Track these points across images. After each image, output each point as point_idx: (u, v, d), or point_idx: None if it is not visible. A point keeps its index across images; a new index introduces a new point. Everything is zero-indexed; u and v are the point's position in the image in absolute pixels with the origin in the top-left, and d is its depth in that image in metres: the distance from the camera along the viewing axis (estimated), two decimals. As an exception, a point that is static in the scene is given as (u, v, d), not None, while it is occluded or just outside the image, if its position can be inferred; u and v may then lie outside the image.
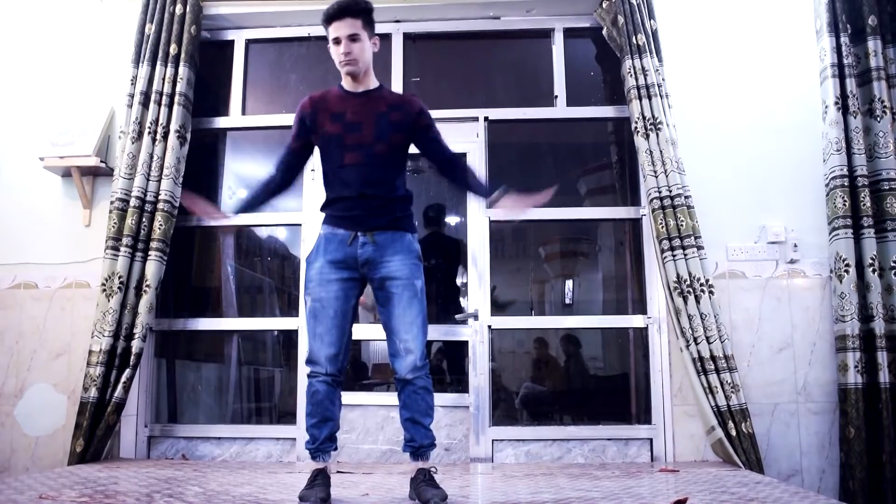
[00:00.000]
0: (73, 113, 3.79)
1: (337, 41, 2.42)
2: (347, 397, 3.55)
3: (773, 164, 3.59)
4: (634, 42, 3.54)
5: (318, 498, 2.24)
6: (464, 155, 3.72)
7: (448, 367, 3.97)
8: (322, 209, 2.53)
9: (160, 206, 3.53)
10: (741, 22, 3.74)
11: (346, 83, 2.50)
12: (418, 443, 2.40)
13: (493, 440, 3.53)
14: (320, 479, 2.34)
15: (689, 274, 3.33)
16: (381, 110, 2.46)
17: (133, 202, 3.51)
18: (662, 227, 3.37)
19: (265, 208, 2.74)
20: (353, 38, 2.41)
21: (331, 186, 2.49)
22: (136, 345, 3.41)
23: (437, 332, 3.74)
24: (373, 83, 2.51)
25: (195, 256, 4.17)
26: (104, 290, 3.44)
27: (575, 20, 3.91)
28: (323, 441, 2.39)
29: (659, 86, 3.49)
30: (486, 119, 3.81)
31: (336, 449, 2.45)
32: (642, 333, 3.65)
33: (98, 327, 3.41)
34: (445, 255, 4.18)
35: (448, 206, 4.24)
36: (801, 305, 3.49)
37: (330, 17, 2.42)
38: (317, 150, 2.55)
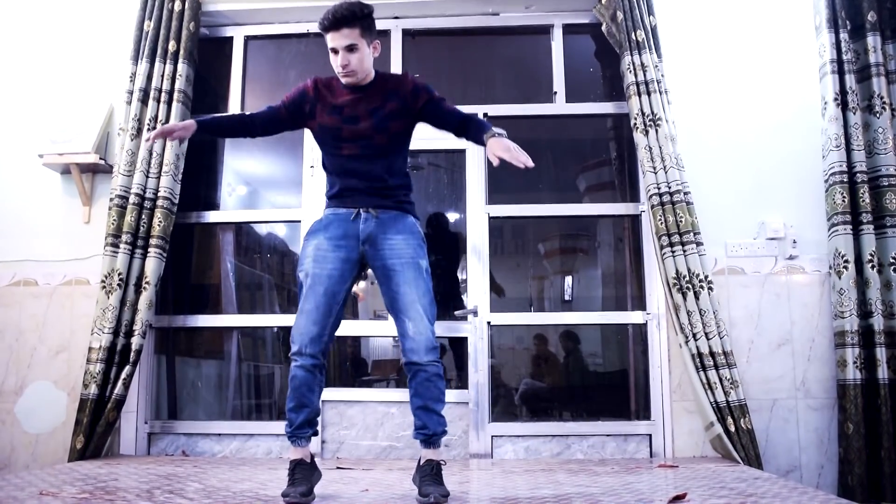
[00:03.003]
0: (72, 110, 3.79)
1: (334, 51, 2.38)
2: (347, 393, 3.59)
3: (773, 161, 3.59)
4: (633, 38, 3.54)
5: (298, 493, 2.21)
6: (462, 151, 3.74)
7: (448, 363, 3.97)
8: (326, 195, 2.53)
9: (159, 202, 3.53)
10: (740, 18, 3.74)
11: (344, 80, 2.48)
12: (431, 430, 2.35)
13: (492, 436, 3.54)
14: (299, 473, 2.30)
15: (689, 270, 3.33)
16: (377, 104, 2.43)
17: (132, 199, 3.51)
18: (661, 223, 3.37)
19: (224, 138, 2.68)
20: (351, 48, 2.35)
21: (331, 175, 2.49)
22: (135, 341, 3.41)
23: (436, 329, 3.72)
24: (370, 78, 2.47)
25: (195, 253, 4.17)
26: (104, 286, 3.44)
27: (574, 16, 3.90)
28: (300, 426, 2.34)
29: (658, 82, 3.49)
30: (485, 115, 3.79)
31: (316, 433, 2.40)
32: (641, 330, 3.65)
33: (98, 324, 3.41)
34: (445, 251, 4.18)
35: (448, 202, 4.24)
36: (800, 301, 3.49)
37: (326, 28, 2.36)
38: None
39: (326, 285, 2.36)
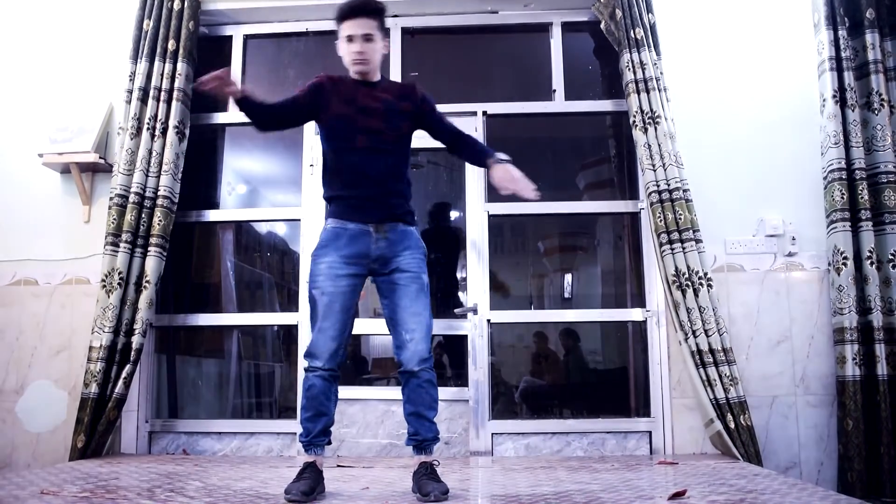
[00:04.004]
0: (72, 109, 3.79)
1: (350, 39, 2.42)
2: (348, 392, 3.58)
3: (772, 158, 3.59)
4: (632, 36, 3.54)
5: (299, 491, 2.25)
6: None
7: (448, 361, 3.98)
8: (329, 199, 2.51)
9: (159, 201, 3.53)
10: (739, 15, 3.74)
11: (354, 74, 2.50)
12: (423, 437, 2.40)
13: (492, 434, 3.55)
14: (308, 473, 2.34)
15: (688, 267, 3.33)
16: (389, 99, 2.48)
17: (132, 198, 3.51)
18: (661, 220, 3.38)
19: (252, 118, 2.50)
20: (368, 38, 2.42)
21: (338, 173, 2.47)
22: (136, 340, 3.41)
23: (436, 327, 3.71)
24: (378, 76, 2.53)
25: (195, 252, 4.17)
26: (104, 286, 3.45)
27: (573, 14, 3.90)
28: (317, 435, 2.39)
29: (657, 79, 3.49)
30: (484, 113, 3.81)
31: (329, 443, 2.46)
32: (641, 327, 3.65)
33: (98, 323, 3.42)
34: (445, 249, 4.19)
35: (447, 200, 4.24)
36: (800, 298, 3.50)
37: (346, 15, 2.41)
38: (314, 139, 2.51)
39: (342, 302, 2.40)
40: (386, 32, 2.52)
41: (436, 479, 2.33)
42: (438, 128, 2.59)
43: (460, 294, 4.11)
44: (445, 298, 4.09)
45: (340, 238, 2.42)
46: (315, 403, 2.38)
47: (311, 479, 2.33)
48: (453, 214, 4.26)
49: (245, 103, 2.39)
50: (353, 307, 2.44)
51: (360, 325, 3.80)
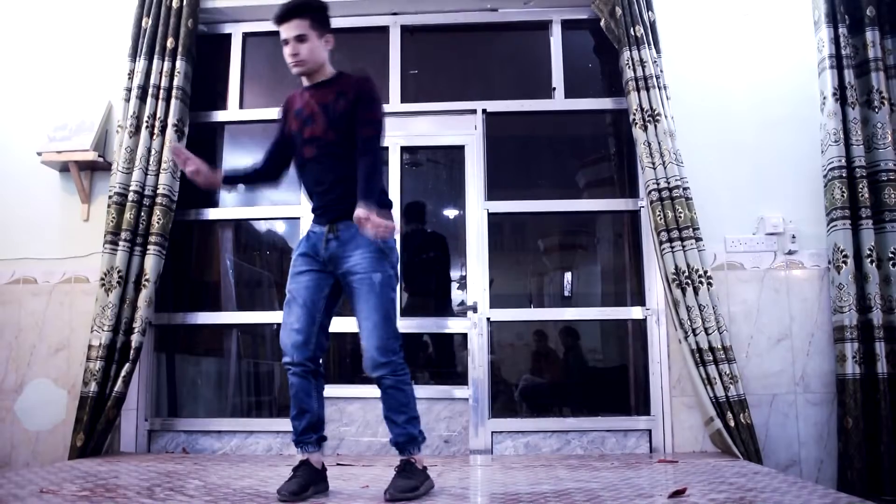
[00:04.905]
0: (71, 107, 3.79)
1: (285, 42, 2.41)
2: (347, 390, 3.59)
3: (772, 156, 3.59)
4: (632, 33, 3.53)
5: (288, 491, 2.27)
6: (461, 148, 3.74)
7: (447, 359, 3.98)
8: None
9: (158, 200, 3.53)
10: (739, 13, 3.73)
11: (304, 80, 2.49)
12: (394, 440, 2.41)
13: (492, 432, 3.55)
14: (300, 472, 2.36)
15: (688, 265, 3.33)
16: (328, 100, 2.41)
17: (131, 196, 3.51)
18: (661, 218, 3.38)
19: (256, 192, 2.68)
20: (300, 38, 2.39)
21: (302, 186, 2.54)
22: (135, 339, 3.41)
23: (435, 325, 3.75)
24: (327, 74, 2.47)
25: (194, 251, 4.17)
26: (103, 284, 3.44)
27: (573, 12, 3.89)
28: (303, 432, 2.40)
29: (657, 77, 3.49)
30: (484, 111, 3.80)
31: (323, 439, 2.46)
32: (641, 325, 3.65)
33: (97, 322, 3.41)
34: (444, 247, 4.17)
35: (447, 198, 4.23)
36: (800, 296, 3.50)
37: (277, 20, 2.42)
38: None
39: (305, 296, 2.41)
40: (325, 28, 2.44)
41: (405, 475, 2.34)
42: (355, 128, 2.39)
43: (460, 292, 4.10)
44: (445, 297, 4.09)
45: (308, 240, 2.48)
46: (297, 401, 2.40)
47: (302, 477, 2.34)
48: (452, 213, 4.25)
49: (239, 180, 2.61)
50: (321, 302, 2.42)
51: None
